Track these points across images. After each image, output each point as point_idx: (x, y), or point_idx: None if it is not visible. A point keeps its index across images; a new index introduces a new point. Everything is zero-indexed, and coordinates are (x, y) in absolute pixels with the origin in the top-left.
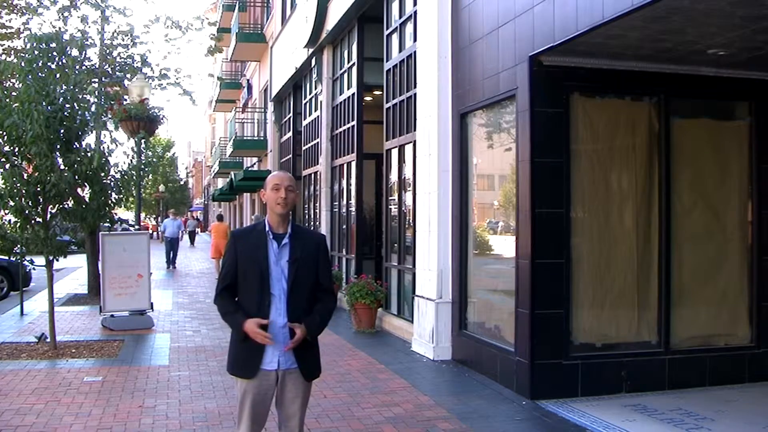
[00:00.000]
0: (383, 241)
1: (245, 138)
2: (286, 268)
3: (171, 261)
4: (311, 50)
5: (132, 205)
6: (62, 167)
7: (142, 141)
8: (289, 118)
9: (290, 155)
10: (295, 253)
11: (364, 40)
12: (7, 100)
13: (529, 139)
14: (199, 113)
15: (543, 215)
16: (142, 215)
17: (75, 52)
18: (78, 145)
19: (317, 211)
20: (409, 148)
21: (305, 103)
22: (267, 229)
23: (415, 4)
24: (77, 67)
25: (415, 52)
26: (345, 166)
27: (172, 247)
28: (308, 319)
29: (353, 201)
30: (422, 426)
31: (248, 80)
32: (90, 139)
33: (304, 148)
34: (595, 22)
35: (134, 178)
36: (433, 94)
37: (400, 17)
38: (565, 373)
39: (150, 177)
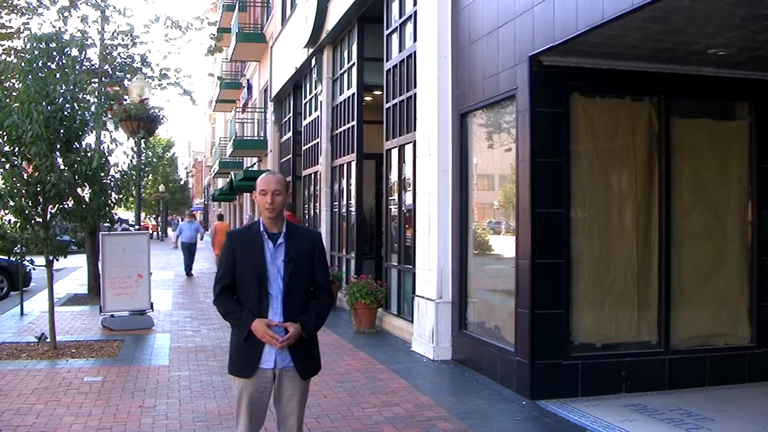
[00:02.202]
0: (383, 241)
1: (245, 138)
2: (282, 268)
3: (188, 267)
4: (311, 50)
5: (132, 205)
6: (62, 167)
7: (142, 141)
8: (289, 118)
9: (290, 155)
10: (290, 252)
11: (364, 40)
12: (7, 100)
13: (529, 139)
14: (199, 113)
15: (543, 215)
16: (142, 215)
17: (75, 52)
18: (78, 145)
19: (317, 211)
20: (409, 148)
21: (305, 103)
22: (261, 229)
23: (415, 4)
24: (77, 67)
25: (415, 52)
26: (345, 166)
27: (190, 252)
28: (304, 317)
29: (353, 201)
30: (422, 426)
31: (248, 80)
32: (90, 139)
33: (304, 148)
34: (595, 22)
35: (134, 178)
36: (433, 94)
37: (400, 17)
38: (565, 373)
39: (150, 177)
